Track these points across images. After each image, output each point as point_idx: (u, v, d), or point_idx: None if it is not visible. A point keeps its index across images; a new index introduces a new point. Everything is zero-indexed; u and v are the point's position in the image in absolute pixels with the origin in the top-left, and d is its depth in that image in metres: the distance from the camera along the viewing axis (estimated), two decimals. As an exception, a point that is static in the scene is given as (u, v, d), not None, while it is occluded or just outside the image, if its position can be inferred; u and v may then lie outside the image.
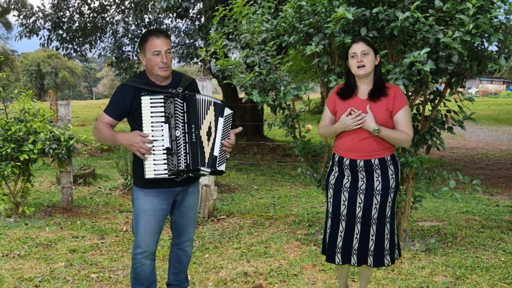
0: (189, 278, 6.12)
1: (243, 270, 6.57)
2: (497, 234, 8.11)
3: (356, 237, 4.83)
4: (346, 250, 4.88)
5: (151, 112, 4.42)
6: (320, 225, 8.47)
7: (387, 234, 4.84)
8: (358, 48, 4.68)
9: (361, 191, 4.78)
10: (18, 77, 71.95)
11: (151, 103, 4.42)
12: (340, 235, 4.88)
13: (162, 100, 4.43)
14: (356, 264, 4.86)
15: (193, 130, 4.49)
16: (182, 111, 4.46)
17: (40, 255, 7.17)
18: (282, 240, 7.80)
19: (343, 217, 4.86)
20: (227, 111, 4.78)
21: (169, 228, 5.20)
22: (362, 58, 4.66)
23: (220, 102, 4.74)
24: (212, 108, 4.66)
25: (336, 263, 4.93)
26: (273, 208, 10.27)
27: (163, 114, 4.43)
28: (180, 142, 4.44)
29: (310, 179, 8.04)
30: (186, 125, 4.47)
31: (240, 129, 4.94)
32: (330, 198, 4.95)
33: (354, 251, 4.85)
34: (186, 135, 4.47)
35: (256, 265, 6.76)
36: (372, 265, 4.85)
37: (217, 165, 4.68)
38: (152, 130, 4.42)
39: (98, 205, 10.40)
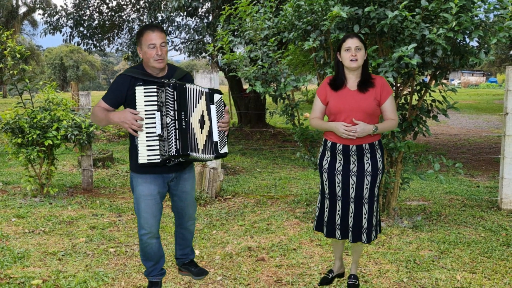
0: (198, 252, 6.14)
1: (247, 245, 6.57)
2: (478, 212, 8.11)
3: (351, 216, 4.83)
4: (344, 227, 4.88)
5: (145, 101, 4.37)
6: (317, 204, 8.47)
7: (374, 212, 4.85)
8: (353, 43, 4.66)
9: (353, 173, 4.78)
10: (43, 70, 72.01)
11: (144, 92, 4.37)
12: (338, 214, 4.89)
13: (155, 90, 4.37)
14: (351, 241, 4.87)
15: (183, 117, 4.43)
16: (173, 100, 4.40)
17: (63, 231, 7.18)
18: (282, 218, 7.80)
19: (339, 198, 4.86)
20: (217, 97, 4.71)
21: (172, 211, 5.18)
22: (355, 53, 4.65)
23: (208, 90, 4.69)
24: (203, 97, 4.63)
25: (337, 238, 4.94)
26: (274, 188, 10.28)
27: (155, 103, 4.39)
28: (170, 129, 4.39)
29: (308, 162, 8.04)
30: (176, 112, 4.41)
31: (227, 108, 4.88)
32: (325, 181, 4.94)
33: (350, 229, 4.86)
34: (176, 122, 4.41)
35: (259, 241, 6.76)
36: (365, 242, 4.85)
37: (219, 149, 4.66)
38: (146, 118, 4.38)
39: (116, 186, 10.41)
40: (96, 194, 9.59)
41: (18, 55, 9.16)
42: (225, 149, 4.72)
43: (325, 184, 4.93)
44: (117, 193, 9.72)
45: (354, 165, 4.77)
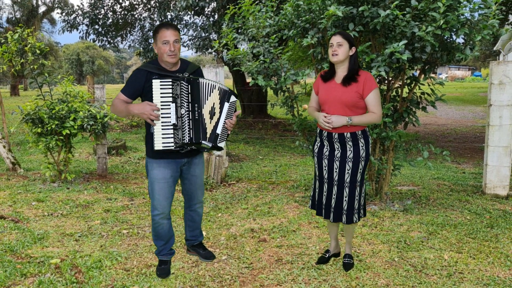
0: (204, 233, 6.13)
1: (250, 227, 6.57)
2: (464, 196, 8.09)
3: (334, 198, 4.88)
4: (327, 207, 4.94)
5: (161, 93, 4.38)
6: (312, 186, 8.47)
7: (357, 196, 4.88)
8: (335, 39, 4.73)
9: (337, 159, 4.84)
10: (61, 64, 72.11)
11: (160, 85, 4.38)
12: (324, 195, 4.96)
13: (170, 83, 4.39)
14: (332, 220, 4.92)
15: (196, 109, 4.45)
16: (187, 93, 4.42)
17: (79, 214, 7.18)
18: (282, 202, 7.80)
19: (325, 180, 4.93)
20: (233, 98, 4.76)
21: (182, 194, 5.19)
22: (336, 48, 4.70)
23: (228, 90, 4.73)
24: (216, 92, 4.62)
25: (323, 216, 4.99)
26: (275, 174, 10.27)
27: (171, 95, 4.39)
28: (184, 119, 4.40)
29: (306, 150, 8.03)
30: (190, 104, 4.44)
31: (239, 112, 4.92)
32: (315, 164, 5.02)
33: (332, 209, 4.90)
34: (190, 113, 4.43)
35: (261, 223, 6.76)
36: (345, 223, 4.89)
37: (218, 141, 4.67)
38: (162, 108, 4.39)
39: (128, 172, 10.41)
40: (110, 180, 9.59)
41: (38, 51, 9.16)
42: (222, 144, 4.75)
43: (316, 167, 5.01)
44: (129, 179, 9.72)
45: (338, 151, 4.83)
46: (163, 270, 5.05)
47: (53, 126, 8.61)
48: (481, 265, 5.28)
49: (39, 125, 8.73)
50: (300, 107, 8.03)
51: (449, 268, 5.20)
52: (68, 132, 8.79)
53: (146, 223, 6.79)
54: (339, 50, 4.72)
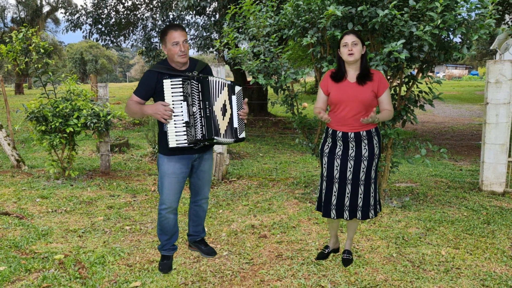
0: (206, 229, 6.13)
1: (251, 223, 6.57)
2: (461, 193, 8.09)
3: (347, 196, 4.84)
4: (339, 206, 4.89)
5: (172, 93, 4.41)
6: (314, 186, 8.47)
7: (372, 193, 4.86)
8: (349, 39, 4.67)
9: (351, 158, 4.79)
10: (65, 63, 72.08)
11: (171, 85, 4.40)
12: (334, 195, 4.89)
13: (181, 82, 4.41)
14: (348, 218, 4.88)
15: (207, 106, 4.47)
16: (198, 91, 4.44)
17: (83, 211, 7.19)
18: (283, 198, 7.80)
19: (336, 180, 4.87)
20: (237, 89, 4.79)
21: (189, 188, 5.19)
22: (352, 47, 4.65)
23: (230, 82, 4.75)
24: (226, 88, 4.66)
25: (332, 217, 4.95)
26: (275, 172, 10.26)
27: (181, 93, 4.41)
28: (196, 117, 4.42)
29: (306, 148, 8.04)
30: (201, 102, 4.46)
31: (246, 100, 4.94)
32: (324, 165, 4.95)
33: (346, 208, 4.86)
34: (201, 110, 4.45)
35: (262, 219, 6.76)
36: (360, 218, 4.87)
37: (238, 134, 4.71)
38: (173, 107, 4.41)
39: (131, 170, 10.41)
40: (113, 177, 9.59)
41: (42, 50, 9.16)
42: (243, 134, 4.84)
43: (324, 167, 4.95)
44: (132, 176, 9.72)
45: (352, 150, 4.79)
46: (165, 265, 5.06)
47: (57, 124, 8.63)
48: (478, 260, 5.28)
49: (43, 123, 8.75)
50: (300, 105, 8.03)
51: (447, 263, 5.20)
52: (72, 130, 8.82)
53: (149, 219, 6.80)
54: (355, 49, 4.68)
